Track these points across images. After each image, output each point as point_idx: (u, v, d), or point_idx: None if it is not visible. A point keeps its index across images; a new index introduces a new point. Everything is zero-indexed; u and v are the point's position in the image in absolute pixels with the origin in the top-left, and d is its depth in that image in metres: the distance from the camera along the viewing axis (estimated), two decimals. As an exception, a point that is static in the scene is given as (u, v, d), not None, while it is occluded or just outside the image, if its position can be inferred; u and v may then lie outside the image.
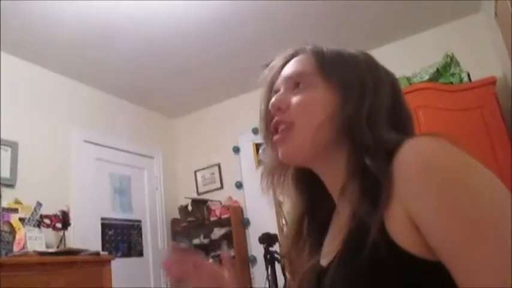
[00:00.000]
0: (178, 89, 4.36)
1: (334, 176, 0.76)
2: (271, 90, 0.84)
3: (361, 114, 0.72)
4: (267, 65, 0.89)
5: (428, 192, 0.56)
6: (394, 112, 0.76)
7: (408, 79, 3.23)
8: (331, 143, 0.74)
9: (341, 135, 0.74)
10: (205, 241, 4.24)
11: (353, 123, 0.72)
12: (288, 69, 0.81)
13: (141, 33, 3.28)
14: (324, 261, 0.75)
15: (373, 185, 0.62)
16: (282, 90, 0.80)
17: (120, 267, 3.37)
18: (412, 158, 0.59)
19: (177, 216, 4.50)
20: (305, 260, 0.82)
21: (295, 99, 0.77)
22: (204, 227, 4.32)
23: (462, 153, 0.58)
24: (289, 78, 0.80)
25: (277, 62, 0.86)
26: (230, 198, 4.35)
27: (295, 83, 0.78)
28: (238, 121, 4.43)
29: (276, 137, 0.78)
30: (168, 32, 3.31)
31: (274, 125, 0.78)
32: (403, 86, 3.19)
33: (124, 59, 3.61)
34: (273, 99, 0.78)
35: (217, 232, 4.21)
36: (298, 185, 0.86)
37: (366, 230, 0.60)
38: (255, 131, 4.26)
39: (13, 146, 3.11)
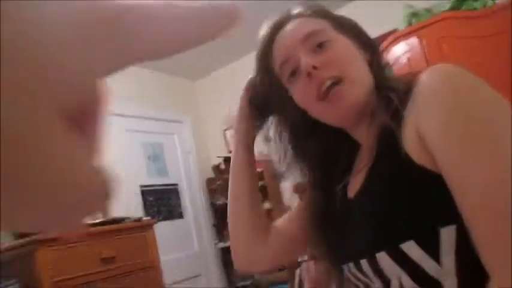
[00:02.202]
0: (197, 50, 4.32)
1: (365, 122, 0.78)
2: (267, 64, 0.82)
3: (378, 59, 0.81)
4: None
5: (436, 111, 0.61)
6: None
7: (429, 11, 3.10)
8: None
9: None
10: (242, 197, 4.34)
11: (376, 67, 0.79)
12: (298, 32, 0.77)
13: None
14: (351, 194, 0.79)
15: (396, 104, 0.69)
16: (302, 52, 0.75)
17: (163, 230, 3.54)
18: (427, 82, 0.65)
19: (212, 175, 4.61)
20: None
21: (330, 55, 0.74)
22: (238, 183, 4.41)
23: (475, 78, 0.63)
24: (306, 39, 0.76)
25: (264, 35, 0.84)
26: (261, 152, 4.40)
27: (316, 41, 0.76)
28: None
29: (328, 98, 0.73)
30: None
31: (318, 82, 0.73)
32: (424, 19, 3.07)
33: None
34: (302, 62, 0.74)
35: (252, 187, 4.30)
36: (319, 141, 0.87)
37: (391, 146, 0.67)
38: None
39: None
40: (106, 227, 2.68)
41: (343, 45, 0.77)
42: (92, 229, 2.59)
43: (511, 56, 2.60)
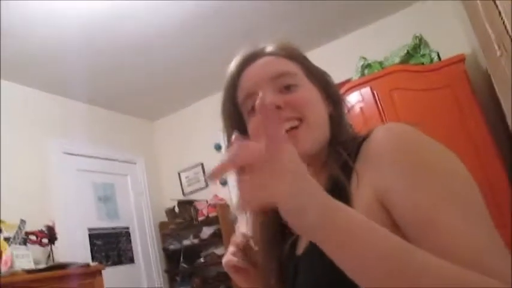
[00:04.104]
0: (155, 91, 4.33)
1: (314, 171, 0.78)
2: (233, 94, 0.82)
3: (340, 114, 0.81)
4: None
5: (400, 170, 0.60)
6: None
7: (380, 63, 3.28)
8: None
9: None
10: (195, 241, 4.25)
11: (335, 122, 0.79)
12: (269, 69, 0.78)
13: (112, 38, 3.24)
14: (300, 250, 0.77)
15: (345, 159, 0.69)
16: (268, 90, 0.76)
17: (112, 276, 3.36)
18: (383, 141, 0.64)
19: (165, 219, 4.49)
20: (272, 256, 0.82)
21: (295, 98, 0.75)
22: (192, 228, 4.32)
23: (425, 135, 0.63)
24: (275, 78, 0.77)
25: (234, 66, 0.83)
26: (216, 196, 4.36)
27: (285, 83, 0.77)
28: (218, 118, 4.36)
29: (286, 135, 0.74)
30: (141, 33, 3.28)
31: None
32: (376, 70, 3.24)
33: (97, 66, 3.56)
34: (269, 99, 0.73)
35: (207, 231, 4.22)
36: None
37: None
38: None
39: (-10, 165, 3.06)
40: (50, 273, 2.52)
41: (309, 92, 0.78)
42: (35, 275, 2.43)
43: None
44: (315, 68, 0.84)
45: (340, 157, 0.70)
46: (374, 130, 0.67)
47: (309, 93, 0.78)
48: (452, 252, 0.51)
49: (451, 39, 3.42)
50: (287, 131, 0.74)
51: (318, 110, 0.77)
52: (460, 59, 2.99)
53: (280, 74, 0.77)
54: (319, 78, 0.82)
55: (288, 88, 0.77)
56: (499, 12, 1.56)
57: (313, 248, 0.70)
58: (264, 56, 0.82)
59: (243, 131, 0.81)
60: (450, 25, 3.52)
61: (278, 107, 0.74)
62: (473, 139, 2.75)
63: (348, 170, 0.67)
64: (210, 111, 4.58)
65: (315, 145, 0.75)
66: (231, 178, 4.36)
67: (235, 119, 0.83)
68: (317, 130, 0.75)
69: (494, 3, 1.62)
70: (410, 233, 0.57)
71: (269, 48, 0.83)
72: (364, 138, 0.68)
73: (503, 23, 1.54)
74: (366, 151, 0.66)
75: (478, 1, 2.02)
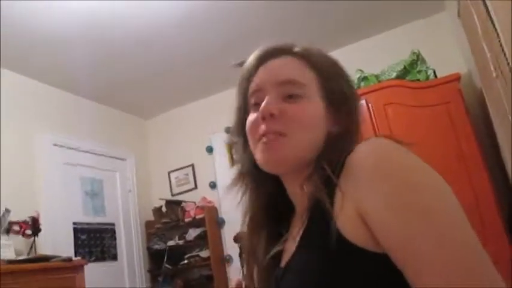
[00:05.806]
0: (150, 90, 4.31)
1: (298, 184, 0.76)
2: (246, 89, 0.82)
3: (347, 132, 0.78)
4: (240, 64, 0.89)
5: (379, 188, 0.59)
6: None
7: (377, 77, 3.30)
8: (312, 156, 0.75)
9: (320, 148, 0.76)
10: (180, 242, 4.22)
11: (332, 140, 0.76)
12: (280, 73, 0.77)
13: (110, 33, 3.23)
14: (283, 262, 0.76)
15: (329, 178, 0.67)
16: (272, 94, 0.75)
17: (94, 272, 3.33)
18: (364, 157, 0.63)
19: (151, 218, 4.46)
20: (261, 259, 0.82)
21: (292, 110, 0.74)
22: (178, 228, 4.30)
23: (409, 152, 0.62)
24: (283, 84, 0.76)
25: (253, 58, 0.83)
26: (204, 198, 4.34)
27: (290, 92, 0.75)
28: (212, 121, 4.41)
29: (263, 143, 0.74)
30: (139, 32, 3.28)
31: (263, 131, 0.74)
32: (372, 83, 3.25)
33: (94, 59, 3.54)
34: (264, 103, 0.74)
35: (192, 233, 4.20)
36: (260, 188, 0.85)
37: (322, 217, 0.64)
38: (228, 131, 4.27)
39: (-22, 152, 3.03)
40: (31, 265, 2.48)
41: (312, 109, 0.76)
42: (15, 267, 2.39)
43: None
44: (334, 81, 0.79)
45: (325, 172, 0.69)
46: (358, 145, 0.66)
47: (310, 110, 0.76)
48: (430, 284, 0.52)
49: (448, 57, 3.45)
50: (268, 141, 0.73)
51: (310, 128, 0.75)
52: (456, 78, 3.01)
53: (290, 81, 0.76)
54: (335, 93, 0.78)
55: (291, 97, 0.75)
56: (497, 34, 1.58)
57: (298, 258, 0.70)
58: (284, 55, 0.80)
59: (242, 123, 0.82)
60: (448, 43, 3.56)
61: (271, 115, 0.73)
62: (464, 158, 2.76)
63: (331, 185, 0.66)
64: (204, 113, 4.61)
65: (289, 159, 0.74)
66: (221, 181, 4.35)
67: (243, 111, 0.83)
68: (299, 147, 0.74)
69: (493, 24, 1.64)
70: (392, 258, 0.57)
71: (292, 48, 0.81)
72: (350, 152, 0.66)
73: (501, 44, 1.55)
74: (348, 165, 0.65)
75: (477, 21, 2.04)
